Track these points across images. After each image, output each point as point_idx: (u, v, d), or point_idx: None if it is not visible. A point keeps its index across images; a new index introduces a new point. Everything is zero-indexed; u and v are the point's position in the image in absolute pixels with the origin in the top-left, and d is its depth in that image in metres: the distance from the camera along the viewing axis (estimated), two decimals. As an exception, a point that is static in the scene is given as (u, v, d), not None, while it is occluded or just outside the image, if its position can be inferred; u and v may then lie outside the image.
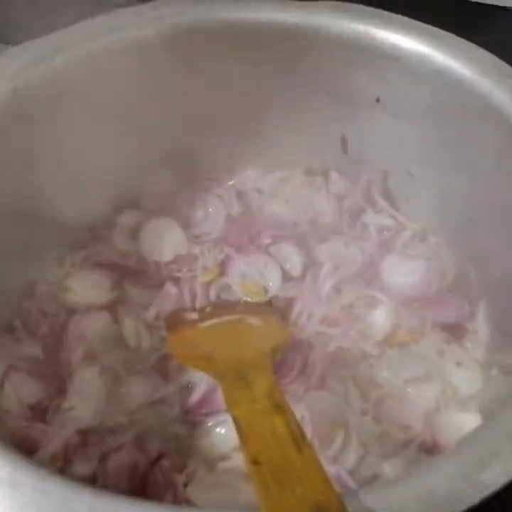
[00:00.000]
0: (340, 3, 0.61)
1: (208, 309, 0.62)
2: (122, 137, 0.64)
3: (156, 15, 0.60)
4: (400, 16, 0.58)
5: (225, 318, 0.59)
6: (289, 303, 0.63)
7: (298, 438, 0.38)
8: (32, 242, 0.63)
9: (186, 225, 0.69)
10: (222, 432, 0.54)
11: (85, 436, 0.54)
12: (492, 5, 0.90)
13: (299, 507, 0.34)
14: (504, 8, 0.90)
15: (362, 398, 0.57)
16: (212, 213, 0.70)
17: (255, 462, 0.36)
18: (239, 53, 0.63)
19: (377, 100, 0.62)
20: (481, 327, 0.59)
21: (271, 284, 0.63)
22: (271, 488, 0.35)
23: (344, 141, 0.68)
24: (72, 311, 0.62)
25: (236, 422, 0.41)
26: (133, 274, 0.66)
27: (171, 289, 0.64)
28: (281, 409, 0.41)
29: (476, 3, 0.90)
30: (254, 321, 0.58)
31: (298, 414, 0.46)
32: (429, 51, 0.56)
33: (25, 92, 0.56)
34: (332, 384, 0.58)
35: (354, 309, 0.62)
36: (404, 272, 0.63)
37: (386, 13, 0.59)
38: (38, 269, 0.64)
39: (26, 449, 0.52)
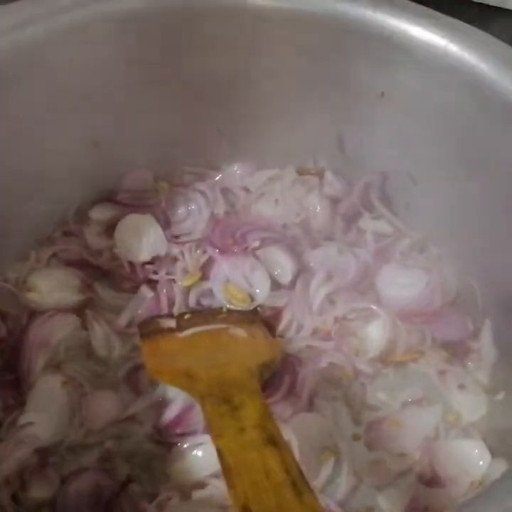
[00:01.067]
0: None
1: (186, 317, 0.56)
2: (96, 120, 0.59)
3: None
4: (412, 3, 0.53)
5: (206, 327, 0.54)
6: (277, 313, 0.58)
7: (296, 479, 0.33)
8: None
9: (165, 222, 0.63)
10: (198, 455, 0.49)
11: (44, 456, 0.49)
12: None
13: None
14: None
15: (354, 421, 0.53)
16: (195, 211, 0.64)
17: (245, 508, 0.31)
18: (232, 39, 0.58)
19: (382, 95, 0.57)
20: (485, 347, 0.54)
21: (257, 291, 0.58)
22: None
23: (341, 138, 0.63)
24: (34, 313, 0.56)
25: (221, 456, 0.36)
26: (105, 274, 0.61)
27: (146, 292, 0.58)
28: (274, 442, 0.36)
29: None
30: (238, 332, 0.53)
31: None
32: (443, 43, 0.51)
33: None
34: (321, 404, 0.53)
35: (347, 322, 0.57)
36: (402, 284, 0.58)
37: (396, -1, 0.54)
38: (-1, 264, 0.58)
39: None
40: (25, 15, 0.51)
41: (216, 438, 0.38)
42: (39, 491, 0.48)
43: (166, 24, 0.56)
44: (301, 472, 0.34)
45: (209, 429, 0.40)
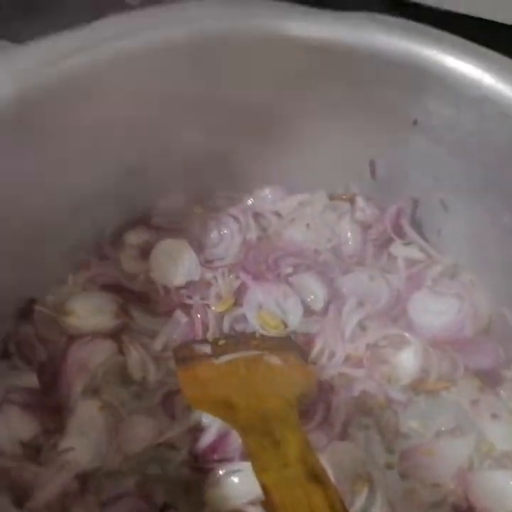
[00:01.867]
0: (377, 15, 0.57)
1: (221, 342, 0.57)
2: (132, 146, 0.60)
3: (184, 16, 0.55)
4: (447, 34, 0.53)
5: (241, 354, 0.54)
6: (310, 339, 0.58)
7: None
8: (31, 259, 0.58)
9: (199, 247, 0.64)
10: (235, 482, 0.50)
11: (84, 481, 0.50)
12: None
13: None
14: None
15: (387, 450, 0.53)
16: (227, 236, 0.65)
17: None
18: (267, 65, 0.59)
19: (415, 123, 0.58)
20: (519, 375, 0.54)
21: (290, 318, 0.59)
22: None
23: (373, 164, 0.64)
24: (73, 338, 0.57)
25: (266, 491, 0.36)
26: (140, 298, 0.62)
27: (181, 317, 0.60)
28: (317, 478, 0.37)
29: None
30: (273, 360, 0.53)
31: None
32: (477, 73, 0.52)
33: (31, 98, 0.51)
34: (354, 433, 0.54)
35: (379, 349, 0.58)
36: (434, 311, 0.59)
37: (430, 28, 0.55)
38: (37, 289, 0.60)
39: (17, 494, 0.47)
40: (71, 45, 0.52)
41: (260, 472, 0.38)
42: (79, 518, 0.49)
43: (202, 52, 0.57)
44: (344, 507, 0.35)
45: (252, 462, 0.40)
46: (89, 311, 0.59)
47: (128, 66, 0.55)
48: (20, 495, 0.48)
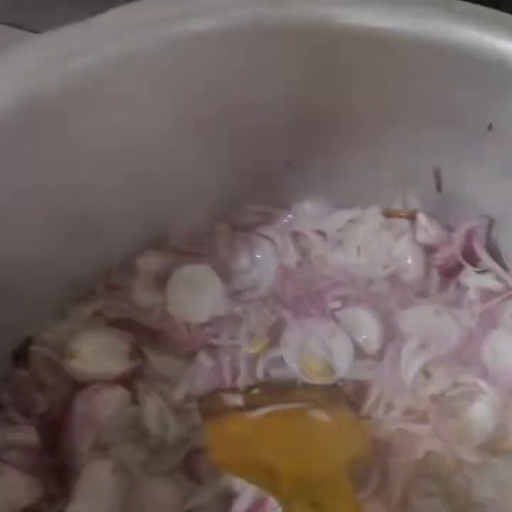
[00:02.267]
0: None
1: (254, 391, 0.61)
2: (147, 156, 0.64)
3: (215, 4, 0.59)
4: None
5: (280, 406, 0.58)
6: (362, 388, 0.62)
7: None
8: (25, 290, 0.62)
9: (225, 274, 0.68)
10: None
11: (93, 555, 0.54)
12: None
13: None
14: None
15: (455, 521, 0.56)
16: (261, 261, 0.69)
17: None
18: (311, 59, 0.63)
19: (490, 128, 0.61)
20: None
21: (338, 363, 0.62)
22: None
23: (438, 175, 0.67)
24: (77, 385, 0.61)
25: None
26: (156, 337, 0.65)
27: (205, 360, 0.63)
28: None
29: None
30: (319, 415, 0.57)
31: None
32: None
33: (37, 99, 0.56)
34: (417, 502, 0.57)
35: (447, 401, 0.61)
36: (514, 354, 0.62)
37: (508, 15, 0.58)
38: (34, 327, 0.64)
39: None
40: (78, 42, 0.57)
41: None
42: None
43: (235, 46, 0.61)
44: None
45: None
46: (95, 353, 0.63)
47: (148, 63, 0.59)
48: None
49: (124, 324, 0.65)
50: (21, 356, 0.63)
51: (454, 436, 0.59)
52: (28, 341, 0.64)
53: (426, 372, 0.62)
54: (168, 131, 0.64)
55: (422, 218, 0.69)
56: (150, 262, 0.69)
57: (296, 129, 0.68)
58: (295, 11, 0.61)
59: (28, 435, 0.59)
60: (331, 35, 0.62)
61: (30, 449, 0.58)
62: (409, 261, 0.68)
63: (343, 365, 0.62)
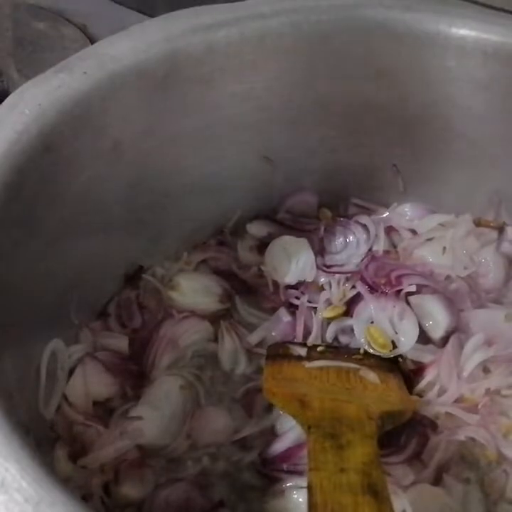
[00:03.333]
0: None
1: (319, 349, 0.54)
2: (272, 135, 0.59)
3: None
4: None
5: (336, 363, 0.50)
6: (420, 369, 0.53)
7: None
8: (151, 230, 0.59)
9: (319, 250, 0.62)
10: (299, 500, 0.45)
11: (145, 456, 0.48)
12: None
13: None
14: None
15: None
16: (352, 243, 0.62)
17: None
18: (424, 69, 0.56)
19: None
20: None
21: (402, 340, 0.53)
22: None
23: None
24: (171, 312, 0.57)
25: (311, 491, 0.32)
26: (247, 289, 0.60)
27: (284, 315, 0.57)
28: (375, 493, 0.32)
29: None
30: (370, 376, 0.48)
31: (397, 508, 0.36)
32: None
33: (178, 59, 0.53)
34: (451, 483, 0.47)
35: (500, 398, 0.51)
36: None
37: None
38: (149, 260, 0.61)
39: (75, 449, 0.47)
40: (219, 17, 0.53)
41: (311, 471, 0.34)
42: (131, 490, 0.47)
43: (357, 42, 0.55)
44: None
45: (308, 461, 0.36)
46: (194, 290, 0.59)
47: (274, 46, 0.55)
48: (78, 450, 0.47)
49: (223, 274, 0.61)
50: (132, 280, 0.59)
51: (501, 431, 0.49)
52: (141, 270, 0.60)
53: (485, 368, 0.52)
54: (292, 115, 0.59)
55: (510, 231, 0.59)
56: (258, 229, 0.64)
57: (406, 133, 0.61)
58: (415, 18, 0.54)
59: (120, 342, 0.55)
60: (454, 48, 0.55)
61: (119, 354, 0.54)
62: (490, 268, 0.58)
63: (406, 343, 0.53)
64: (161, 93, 0.53)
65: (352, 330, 0.55)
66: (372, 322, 0.54)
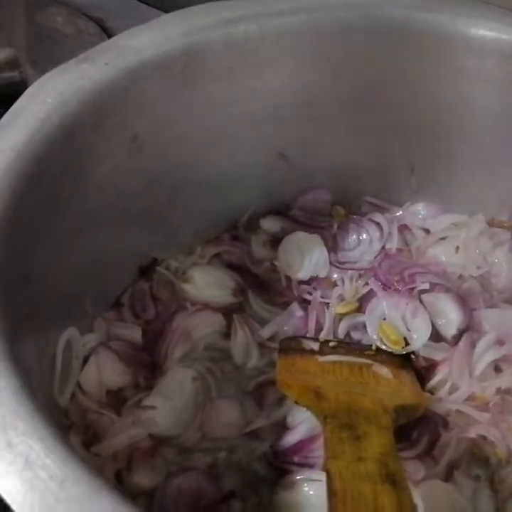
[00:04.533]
0: None
1: (331, 344, 0.54)
2: (288, 132, 0.60)
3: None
4: None
5: (349, 358, 0.50)
6: (432, 366, 0.53)
7: None
8: (166, 222, 0.60)
9: (333, 247, 0.62)
10: (310, 493, 0.45)
11: (157, 445, 0.49)
12: None
13: None
14: None
15: (496, 509, 0.46)
16: (365, 241, 0.62)
17: None
18: (450, 69, 0.56)
19: None
20: None
21: (414, 337, 0.53)
22: None
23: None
24: (185, 305, 0.57)
25: (329, 478, 0.32)
26: (260, 284, 0.60)
27: (296, 310, 0.57)
28: (394, 482, 0.32)
29: None
30: (383, 371, 0.49)
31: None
32: None
33: (195, 53, 0.53)
34: (462, 480, 0.47)
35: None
36: None
37: None
38: (163, 253, 0.61)
39: (89, 436, 0.47)
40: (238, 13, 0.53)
41: (329, 459, 0.34)
42: (143, 478, 0.47)
43: (375, 41, 0.55)
44: None
45: (325, 450, 0.37)
46: (208, 283, 0.59)
47: (292, 43, 0.55)
48: (91, 438, 0.48)
49: (236, 268, 0.61)
50: (146, 272, 0.60)
51: (511, 430, 0.49)
52: (155, 262, 0.60)
53: (497, 367, 0.52)
54: (310, 108, 0.60)
55: (523, 232, 0.59)
56: (271, 224, 0.64)
57: (421, 133, 0.61)
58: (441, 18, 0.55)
59: (134, 332, 0.55)
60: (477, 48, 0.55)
61: (132, 344, 0.55)
62: (502, 268, 0.58)
63: (418, 340, 0.53)
64: (180, 86, 0.53)
65: (364, 326, 0.55)
66: (384, 319, 0.55)
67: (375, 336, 0.54)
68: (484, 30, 0.54)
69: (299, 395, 0.46)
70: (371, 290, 0.57)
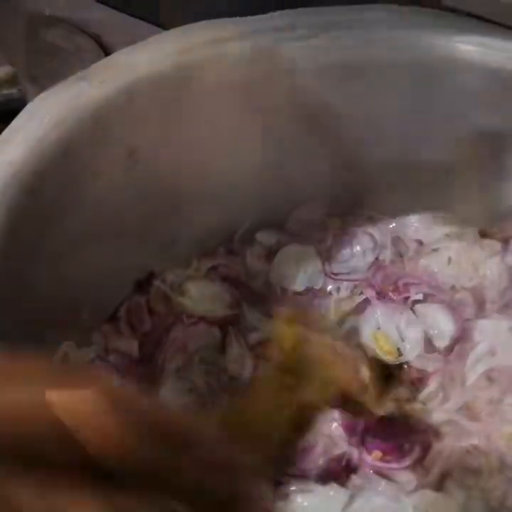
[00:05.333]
0: None
1: None
2: (282, 144, 0.60)
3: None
4: None
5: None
6: (424, 377, 0.53)
7: None
8: (163, 236, 0.61)
9: (327, 258, 0.63)
10: (304, 505, 0.46)
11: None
12: None
13: None
14: None
15: (488, 519, 0.46)
16: (359, 253, 0.63)
17: None
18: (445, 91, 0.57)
19: None
20: None
21: (408, 347, 0.54)
22: None
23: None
24: (181, 317, 0.58)
25: None
26: (256, 297, 0.61)
27: (291, 321, 0.58)
28: None
29: None
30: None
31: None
32: None
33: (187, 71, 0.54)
34: (453, 489, 0.47)
35: (503, 407, 0.51)
36: None
37: None
38: (160, 266, 0.61)
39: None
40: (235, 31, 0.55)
41: None
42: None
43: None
44: None
45: None
46: (203, 296, 0.60)
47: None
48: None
49: (232, 281, 0.62)
50: (142, 285, 0.61)
51: (504, 439, 0.49)
52: (151, 276, 0.61)
53: (489, 377, 0.53)
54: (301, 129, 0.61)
55: (515, 244, 0.60)
56: (266, 237, 0.65)
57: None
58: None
59: (130, 345, 0.56)
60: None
61: (129, 357, 0.56)
62: (495, 279, 0.59)
63: (411, 351, 0.54)
64: (176, 104, 0.55)
65: (358, 334, 0.56)
66: (379, 328, 0.56)
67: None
68: (472, 46, 0.54)
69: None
70: (366, 299, 0.58)
